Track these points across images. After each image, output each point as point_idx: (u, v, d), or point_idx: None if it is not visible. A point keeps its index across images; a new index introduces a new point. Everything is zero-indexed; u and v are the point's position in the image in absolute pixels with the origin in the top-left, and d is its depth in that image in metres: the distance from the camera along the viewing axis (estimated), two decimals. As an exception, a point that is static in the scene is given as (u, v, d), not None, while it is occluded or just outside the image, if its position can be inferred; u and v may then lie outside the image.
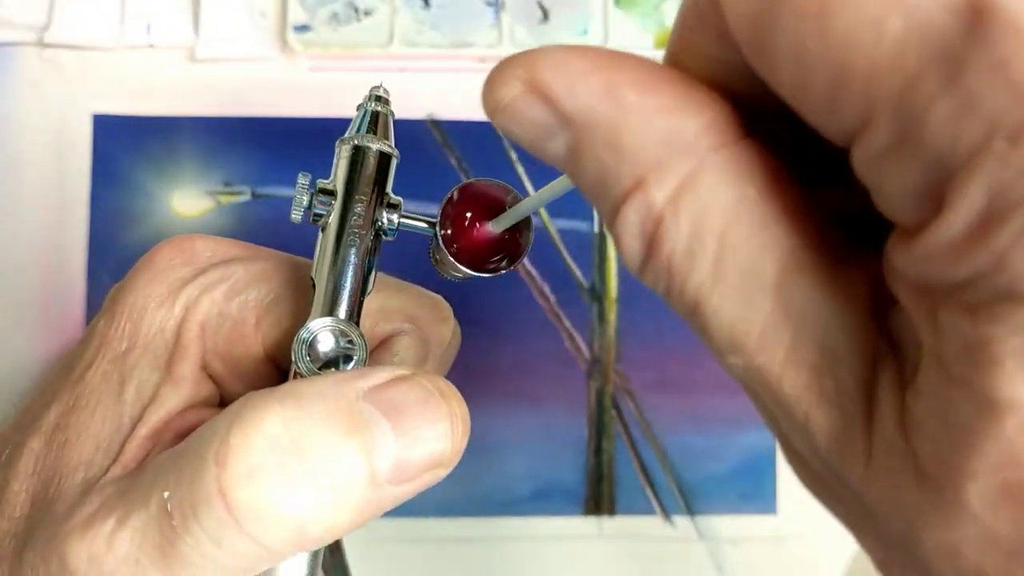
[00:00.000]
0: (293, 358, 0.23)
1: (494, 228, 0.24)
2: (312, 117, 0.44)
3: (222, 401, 0.26)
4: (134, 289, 0.25)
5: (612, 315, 0.44)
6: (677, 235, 0.15)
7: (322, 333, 0.23)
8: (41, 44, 0.44)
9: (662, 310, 0.44)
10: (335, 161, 0.24)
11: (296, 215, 0.24)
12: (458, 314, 0.45)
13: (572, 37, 0.45)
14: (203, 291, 0.25)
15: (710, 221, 0.15)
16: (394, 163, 0.25)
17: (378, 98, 0.25)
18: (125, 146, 0.44)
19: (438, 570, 0.43)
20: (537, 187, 0.45)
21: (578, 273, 0.44)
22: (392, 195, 0.25)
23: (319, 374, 0.23)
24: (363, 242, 0.24)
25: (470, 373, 0.42)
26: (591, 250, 0.44)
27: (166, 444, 0.23)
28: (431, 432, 0.21)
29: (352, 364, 0.23)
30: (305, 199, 0.24)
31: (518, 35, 0.45)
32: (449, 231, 0.24)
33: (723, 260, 0.15)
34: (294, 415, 0.20)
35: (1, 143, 0.43)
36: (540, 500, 0.43)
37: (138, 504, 0.20)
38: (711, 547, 0.44)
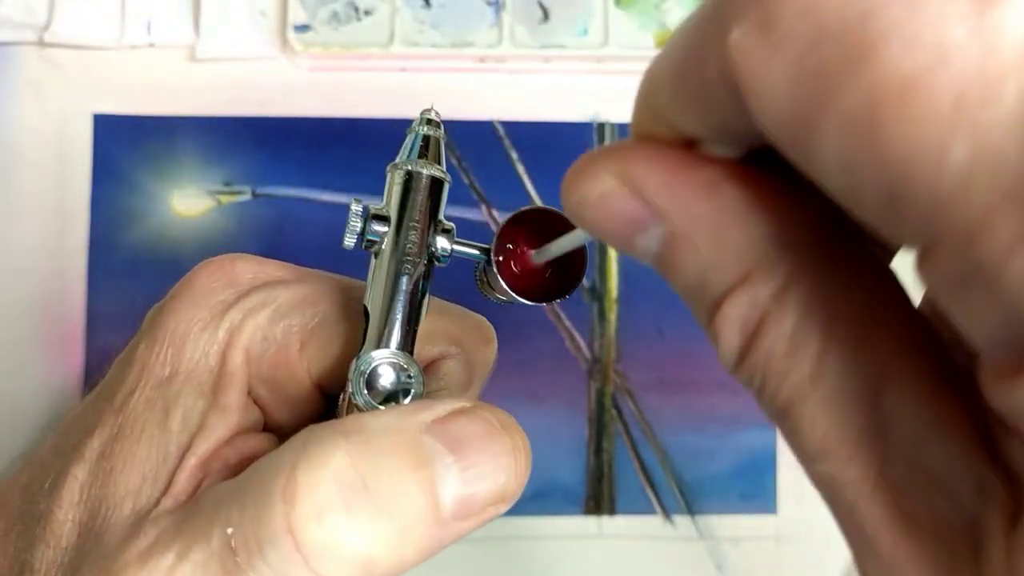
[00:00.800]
0: (351, 389, 0.22)
1: (538, 258, 0.24)
2: (312, 117, 0.44)
3: (266, 426, 0.26)
4: (175, 313, 0.25)
5: (612, 315, 0.44)
6: (779, 333, 0.15)
7: (381, 366, 0.23)
8: (41, 44, 0.44)
9: (662, 310, 0.44)
10: (387, 186, 0.24)
11: (349, 241, 0.24)
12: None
13: (572, 37, 0.45)
14: (246, 315, 0.25)
15: (814, 320, 0.14)
16: (446, 188, 0.24)
17: (429, 121, 0.24)
18: (125, 146, 0.44)
19: (438, 570, 0.43)
20: (538, 187, 0.45)
21: (578, 273, 0.44)
22: (445, 221, 0.24)
23: (378, 408, 0.22)
24: (417, 269, 0.23)
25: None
26: (592, 250, 0.44)
27: (217, 473, 0.23)
28: (494, 466, 0.21)
29: (410, 397, 0.23)
30: (359, 225, 0.23)
31: (518, 35, 0.45)
32: (502, 258, 0.24)
33: (824, 363, 0.14)
34: (360, 451, 0.20)
35: (1, 143, 0.43)
36: (540, 500, 0.43)
37: (199, 538, 0.20)
38: (711, 547, 0.44)
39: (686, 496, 0.44)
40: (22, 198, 0.43)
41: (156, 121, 0.44)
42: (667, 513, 0.43)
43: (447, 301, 0.27)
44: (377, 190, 0.44)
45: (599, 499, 0.43)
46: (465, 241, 0.24)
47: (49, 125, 0.44)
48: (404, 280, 0.23)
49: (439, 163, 0.24)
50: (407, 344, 0.23)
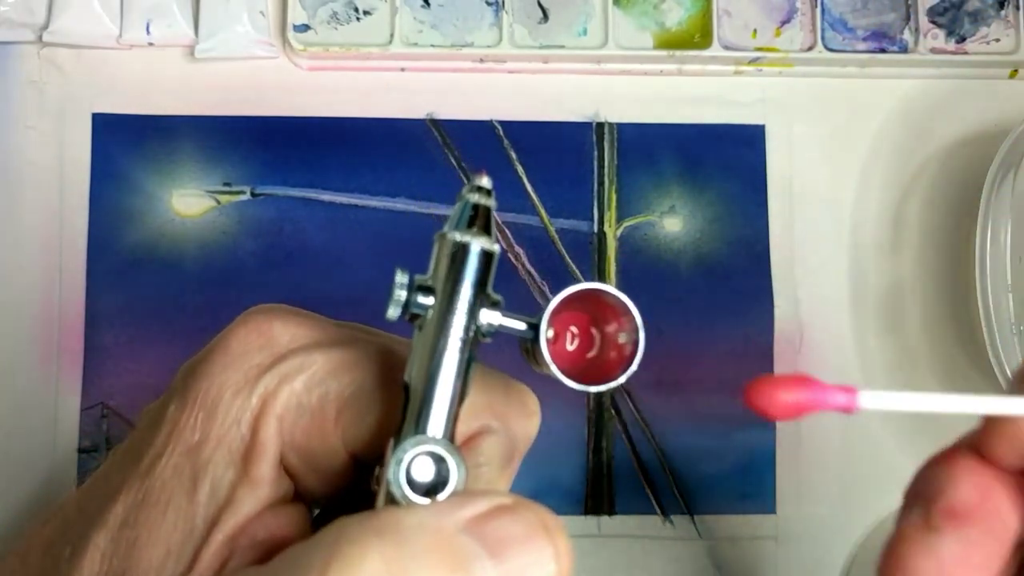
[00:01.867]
0: (388, 478, 0.21)
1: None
2: (312, 116, 0.44)
3: (296, 495, 0.25)
4: (208, 375, 0.24)
5: (611, 315, 0.44)
6: None
7: (420, 457, 0.21)
8: (41, 43, 0.44)
9: (662, 310, 0.44)
10: (434, 256, 0.23)
11: (393, 313, 0.22)
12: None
13: (571, 37, 0.45)
14: (281, 381, 0.24)
15: None
16: (495, 261, 0.23)
17: (479, 188, 0.23)
18: (125, 146, 0.44)
19: (437, 569, 0.43)
20: (538, 189, 0.45)
21: (578, 273, 0.44)
22: (493, 294, 0.23)
23: (414, 502, 0.21)
24: (463, 346, 0.22)
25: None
26: (591, 250, 0.45)
27: (243, 551, 0.22)
28: (536, 572, 0.20)
29: (450, 488, 0.22)
30: (403, 296, 0.22)
31: (518, 35, 0.45)
32: (550, 336, 0.23)
33: None
34: (395, 553, 0.19)
35: (1, 143, 0.43)
36: (540, 499, 0.43)
37: None
38: (710, 546, 0.44)
39: (685, 496, 0.44)
40: (22, 198, 0.43)
41: (156, 121, 0.44)
42: (666, 513, 0.44)
43: (488, 368, 0.25)
44: (377, 190, 0.44)
45: (598, 499, 0.43)
46: (513, 315, 0.23)
47: (48, 125, 0.44)
48: (448, 359, 0.22)
49: (488, 233, 0.23)
50: (448, 429, 0.22)
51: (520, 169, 0.45)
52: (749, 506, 0.44)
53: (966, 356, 0.45)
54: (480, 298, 0.22)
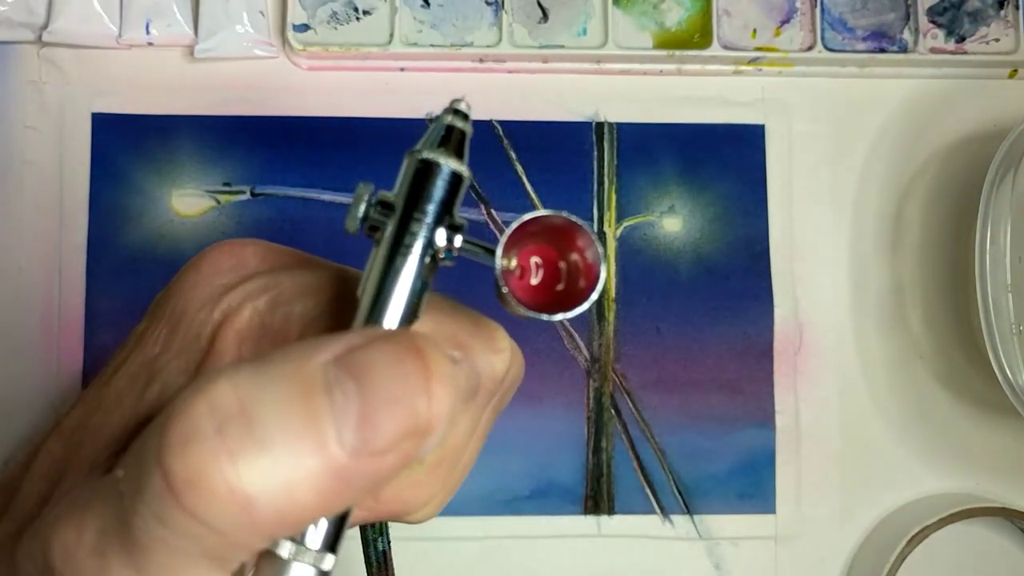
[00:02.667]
0: None
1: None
2: (311, 116, 0.44)
3: None
4: (177, 293, 0.24)
5: (611, 315, 0.44)
6: None
7: None
8: (41, 43, 0.44)
9: (661, 310, 0.44)
10: (401, 172, 0.23)
11: (351, 224, 0.22)
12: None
13: (571, 37, 0.45)
14: (245, 298, 0.24)
15: None
16: (465, 184, 0.23)
17: (456, 111, 0.23)
18: (125, 145, 0.44)
19: (438, 568, 0.43)
20: (538, 189, 0.45)
21: (577, 273, 0.44)
22: (458, 217, 0.22)
23: None
24: (417, 261, 0.22)
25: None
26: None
27: None
28: (402, 392, 0.18)
29: None
30: (362, 208, 0.22)
31: (518, 35, 0.45)
32: (509, 267, 0.22)
33: None
34: (248, 379, 0.18)
35: (1, 143, 0.43)
36: (539, 499, 0.43)
37: (103, 490, 0.19)
38: (710, 546, 0.44)
39: (684, 496, 0.44)
40: (21, 198, 0.43)
41: (155, 121, 0.44)
42: (665, 512, 0.44)
43: (459, 303, 0.25)
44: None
45: (598, 498, 0.43)
46: (475, 240, 0.23)
47: (48, 125, 0.44)
48: (403, 271, 0.22)
49: (460, 156, 0.22)
50: None
51: (520, 169, 0.45)
52: (749, 506, 0.44)
53: (966, 356, 0.45)
54: (441, 218, 0.22)
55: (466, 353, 0.24)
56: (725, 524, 0.44)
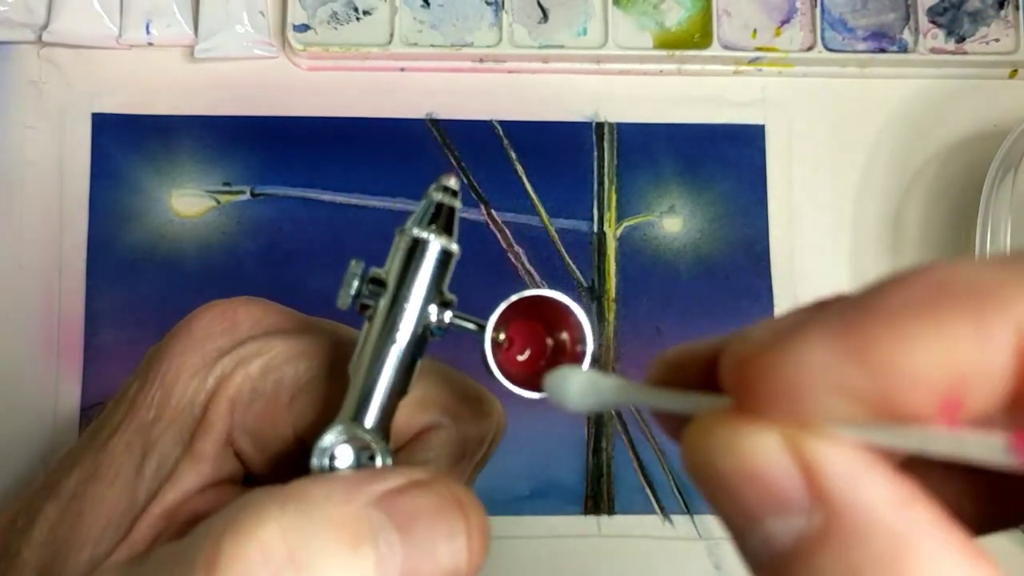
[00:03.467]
0: (312, 463, 0.21)
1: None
2: (311, 116, 0.44)
3: (247, 479, 0.25)
4: (169, 356, 0.24)
5: (611, 314, 0.44)
6: None
7: (343, 446, 0.21)
8: (40, 43, 0.44)
9: (660, 309, 0.44)
10: (392, 250, 0.23)
11: (343, 302, 0.22)
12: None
13: (571, 37, 0.45)
14: (238, 364, 0.24)
15: None
16: (454, 261, 0.23)
17: (445, 188, 0.23)
18: (125, 146, 0.44)
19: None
20: (537, 189, 0.45)
21: (577, 273, 0.44)
22: (447, 293, 0.23)
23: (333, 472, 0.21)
24: (407, 339, 0.22)
25: (470, 373, 0.42)
26: (591, 250, 0.45)
27: (178, 526, 0.22)
28: (445, 546, 0.19)
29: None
30: (355, 286, 0.22)
31: (518, 35, 0.45)
32: (498, 341, 0.22)
33: None
34: (294, 523, 0.18)
35: (1, 143, 0.43)
36: (540, 499, 0.43)
37: None
38: (710, 546, 0.44)
39: (685, 496, 0.44)
40: (21, 198, 0.43)
41: (155, 121, 0.44)
42: (665, 512, 0.44)
43: (450, 368, 0.25)
44: (377, 190, 0.44)
45: (598, 499, 0.43)
46: (464, 315, 0.23)
47: (48, 125, 0.44)
48: (390, 351, 0.22)
49: (450, 234, 0.23)
50: (381, 420, 0.22)
51: (520, 169, 0.45)
52: (749, 506, 0.44)
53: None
54: (432, 295, 0.22)
55: (455, 421, 0.24)
56: (725, 524, 0.44)
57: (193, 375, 0.24)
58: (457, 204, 0.23)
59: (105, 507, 0.22)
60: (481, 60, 0.45)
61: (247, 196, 0.44)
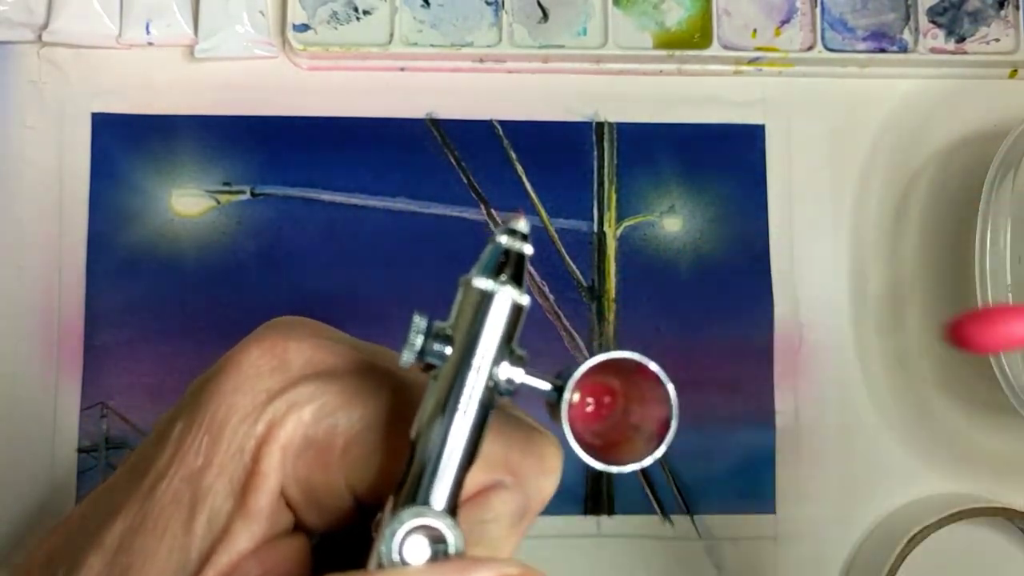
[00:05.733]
0: (381, 550, 0.20)
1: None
2: (311, 116, 0.44)
3: (297, 526, 0.24)
4: (217, 396, 0.23)
5: (611, 314, 0.44)
6: None
7: (414, 534, 0.20)
8: (40, 43, 0.44)
9: (660, 310, 0.44)
10: (457, 302, 0.21)
11: (407, 359, 0.21)
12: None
13: (571, 37, 0.45)
14: (290, 409, 0.22)
15: None
16: (524, 314, 0.21)
17: (513, 231, 0.21)
18: (124, 145, 0.44)
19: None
20: (538, 189, 0.45)
21: (577, 273, 0.44)
22: (518, 349, 0.21)
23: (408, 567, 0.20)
24: (477, 403, 0.20)
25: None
26: (590, 250, 0.45)
27: None
28: None
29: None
30: (419, 343, 0.20)
31: (518, 35, 0.45)
32: (575, 403, 0.21)
33: None
34: None
35: (1, 143, 0.43)
36: (539, 499, 0.43)
37: None
38: (710, 546, 0.44)
39: (684, 496, 0.44)
40: (21, 197, 0.43)
41: (155, 120, 0.44)
42: (665, 512, 0.44)
43: (511, 412, 0.24)
44: (377, 190, 0.44)
45: (598, 499, 0.43)
46: (538, 374, 0.21)
47: (48, 124, 0.44)
48: (460, 422, 0.20)
49: (519, 283, 0.21)
50: (452, 499, 0.20)
51: (520, 169, 0.45)
52: (749, 506, 0.44)
53: (966, 356, 0.45)
54: (502, 354, 0.21)
55: (518, 479, 0.23)
56: (725, 524, 0.44)
57: (243, 419, 0.22)
58: (528, 250, 0.21)
59: (156, 564, 0.21)
60: (481, 60, 0.45)
61: (247, 196, 0.44)
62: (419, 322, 0.20)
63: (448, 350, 0.20)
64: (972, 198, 0.43)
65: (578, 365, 0.20)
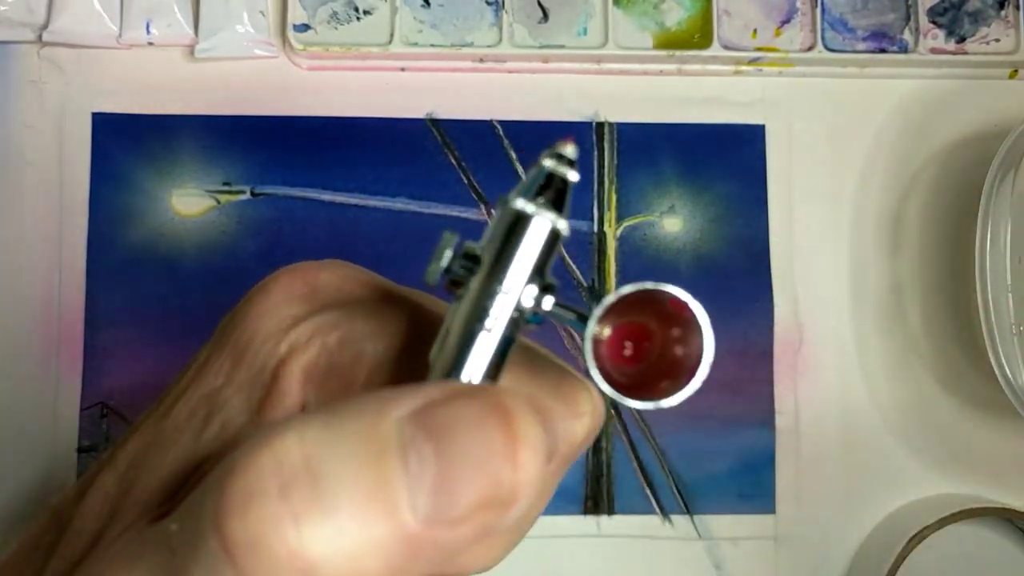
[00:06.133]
0: None
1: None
2: (312, 116, 0.44)
3: None
4: (244, 320, 0.22)
5: (611, 315, 0.44)
6: None
7: None
8: (40, 43, 0.44)
9: (661, 310, 0.44)
10: (491, 223, 0.20)
11: (432, 276, 0.20)
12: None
13: (571, 37, 0.45)
14: (314, 333, 0.22)
15: None
16: (561, 241, 0.20)
17: (560, 156, 0.20)
18: (125, 145, 0.44)
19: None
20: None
21: (577, 273, 0.44)
22: (549, 277, 0.20)
23: None
24: (502, 326, 0.19)
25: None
26: (590, 250, 0.45)
27: None
28: (484, 458, 0.17)
29: None
30: (446, 259, 0.20)
31: (518, 35, 0.45)
32: (601, 339, 0.20)
33: None
34: (317, 435, 0.16)
35: (1, 143, 0.43)
36: (539, 499, 0.43)
37: (154, 542, 0.18)
38: (710, 546, 0.44)
39: (684, 496, 0.44)
40: (21, 197, 0.43)
41: (155, 120, 0.44)
42: (665, 512, 0.44)
43: (543, 352, 0.23)
44: (377, 190, 0.44)
45: (598, 499, 0.43)
46: (566, 304, 0.20)
47: (48, 124, 0.44)
48: (480, 338, 0.19)
49: (560, 209, 0.20)
50: None
51: (520, 169, 0.45)
52: (749, 506, 0.44)
53: (966, 356, 0.45)
54: (532, 277, 0.20)
55: (546, 418, 0.21)
56: (725, 524, 0.44)
57: (265, 340, 0.22)
58: (573, 176, 0.20)
59: (161, 473, 0.21)
60: (481, 60, 0.45)
61: (247, 196, 0.44)
62: (449, 238, 0.20)
63: (474, 269, 0.20)
64: (972, 198, 0.43)
65: (607, 296, 0.19)
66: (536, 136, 0.45)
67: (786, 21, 0.46)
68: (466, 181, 0.44)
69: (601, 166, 0.45)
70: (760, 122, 0.46)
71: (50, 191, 0.43)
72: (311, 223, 0.44)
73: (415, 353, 0.22)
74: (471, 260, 0.20)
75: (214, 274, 0.43)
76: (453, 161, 0.44)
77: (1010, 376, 0.40)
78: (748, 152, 0.46)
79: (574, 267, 0.44)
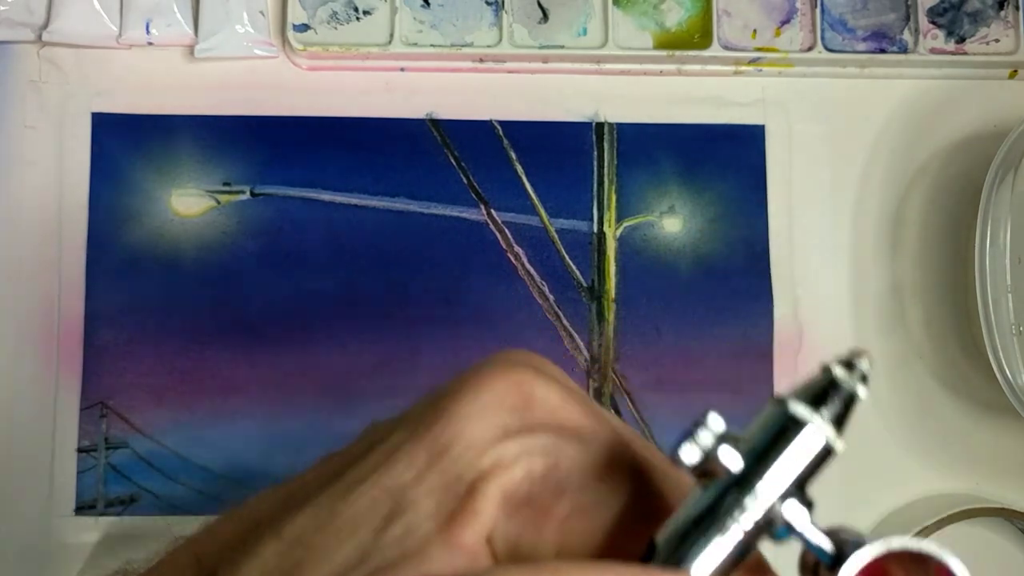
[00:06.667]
0: None
1: None
2: (311, 116, 0.44)
3: None
4: (449, 416, 0.21)
5: (611, 315, 0.44)
6: None
7: None
8: (40, 43, 0.44)
9: (660, 310, 0.44)
10: (760, 417, 0.19)
11: (687, 456, 0.19)
12: (458, 313, 0.45)
13: (571, 37, 0.45)
14: (522, 454, 0.20)
15: None
16: (831, 460, 0.19)
17: (851, 366, 0.18)
18: (124, 145, 0.44)
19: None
20: (537, 189, 0.45)
21: (577, 273, 0.44)
22: (809, 494, 0.19)
23: None
24: (741, 532, 0.18)
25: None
26: (590, 250, 0.45)
27: None
28: None
29: None
30: (708, 443, 0.19)
31: (518, 35, 0.45)
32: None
33: None
34: None
35: (1, 143, 0.43)
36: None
37: None
38: (710, 546, 0.44)
39: (685, 496, 0.44)
40: (21, 197, 0.43)
41: (155, 120, 0.44)
42: (666, 513, 0.43)
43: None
44: (377, 190, 0.44)
45: (598, 499, 0.43)
46: (819, 528, 0.18)
47: (48, 124, 0.43)
48: (718, 540, 0.18)
49: (839, 425, 0.18)
50: None
51: (520, 169, 0.45)
52: (749, 506, 0.44)
53: (966, 356, 0.45)
54: (790, 490, 0.18)
55: None
56: (725, 524, 0.44)
57: (468, 447, 0.20)
58: (863, 393, 0.18)
59: (330, 564, 0.20)
60: (481, 60, 0.45)
61: (247, 196, 0.44)
62: (714, 421, 0.19)
63: (733, 464, 0.18)
64: (972, 198, 0.43)
65: (864, 542, 0.18)
66: (536, 136, 0.45)
67: (786, 21, 0.46)
68: (466, 181, 0.44)
69: (601, 166, 0.45)
70: (760, 122, 0.46)
71: (50, 191, 0.43)
72: (311, 223, 0.44)
73: (625, 505, 0.21)
74: (731, 449, 0.18)
75: (214, 274, 0.43)
76: (453, 161, 0.44)
77: (1010, 376, 0.40)
78: (748, 152, 0.46)
79: (574, 267, 0.44)
